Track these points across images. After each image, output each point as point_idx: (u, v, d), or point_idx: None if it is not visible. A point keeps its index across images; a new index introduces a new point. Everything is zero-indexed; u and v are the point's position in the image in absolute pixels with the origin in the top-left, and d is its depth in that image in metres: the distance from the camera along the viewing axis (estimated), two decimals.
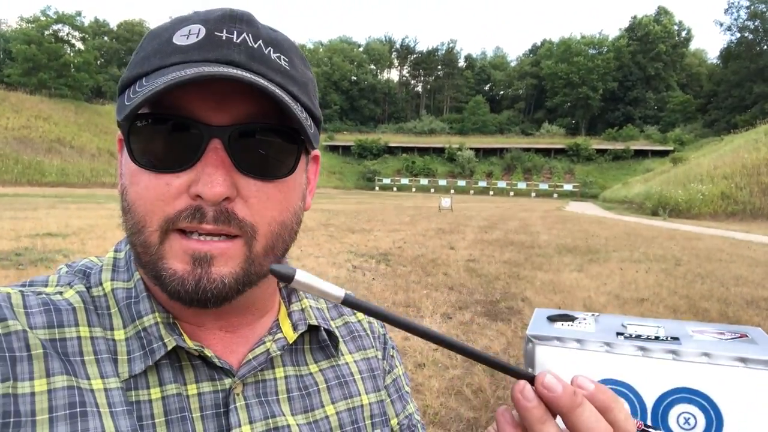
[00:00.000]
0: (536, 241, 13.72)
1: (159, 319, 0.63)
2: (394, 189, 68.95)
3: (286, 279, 0.37)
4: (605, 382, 2.25)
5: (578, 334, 2.32)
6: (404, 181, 72.00)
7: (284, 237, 0.64)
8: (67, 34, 68.63)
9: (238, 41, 0.58)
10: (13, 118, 45.53)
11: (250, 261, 0.60)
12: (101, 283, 0.66)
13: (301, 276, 0.38)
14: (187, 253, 0.57)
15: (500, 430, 0.46)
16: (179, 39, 0.58)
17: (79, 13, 69.65)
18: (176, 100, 0.56)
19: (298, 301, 0.76)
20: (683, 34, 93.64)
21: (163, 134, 0.57)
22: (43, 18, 64.42)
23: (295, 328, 0.72)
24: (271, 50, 0.61)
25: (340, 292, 0.39)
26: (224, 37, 0.58)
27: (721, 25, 79.74)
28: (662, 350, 2.19)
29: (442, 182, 70.97)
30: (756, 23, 73.82)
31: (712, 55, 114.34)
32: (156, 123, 0.57)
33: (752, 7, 74.44)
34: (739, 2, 76.72)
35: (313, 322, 0.73)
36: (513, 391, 0.45)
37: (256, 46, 0.59)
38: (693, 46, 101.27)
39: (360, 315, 0.87)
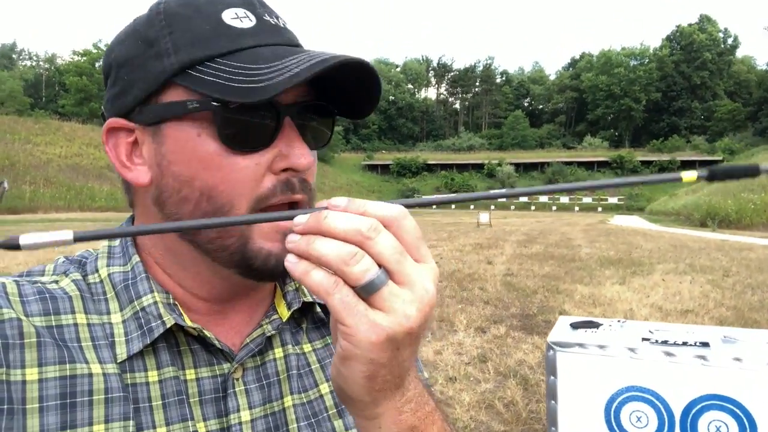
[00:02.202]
0: (577, 255, 13.39)
1: (158, 299, 0.63)
2: (433, 207, 68.63)
3: (14, 248, 0.38)
4: (629, 389, 2.15)
5: (601, 339, 2.23)
6: None
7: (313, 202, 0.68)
8: None
9: (282, 25, 0.65)
10: (66, 146, 47.74)
11: None
12: (97, 270, 0.66)
13: (26, 239, 0.38)
14: (279, 231, 0.60)
15: (291, 273, 0.46)
16: (233, 22, 0.60)
17: None
18: None
19: (292, 281, 0.76)
20: (729, 41, 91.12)
21: (246, 115, 0.58)
22: (94, 51, 67.55)
23: (289, 306, 0.72)
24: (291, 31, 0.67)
25: (68, 235, 0.39)
26: (272, 22, 0.63)
27: None
28: (690, 355, 2.08)
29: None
30: None
31: (762, 61, 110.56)
32: (243, 105, 0.57)
33: None
34: None
35: (308, 298, 0.74)
36: (286, 246, 0.47)
37: (288, 28, 0.66)
38: (740, 53, 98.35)
39: None
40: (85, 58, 66.14)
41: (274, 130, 0.60)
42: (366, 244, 0.44)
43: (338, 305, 0.44)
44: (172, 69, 0.59)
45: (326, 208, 0.46)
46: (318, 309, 0.76)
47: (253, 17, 0.62)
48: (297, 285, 0.76)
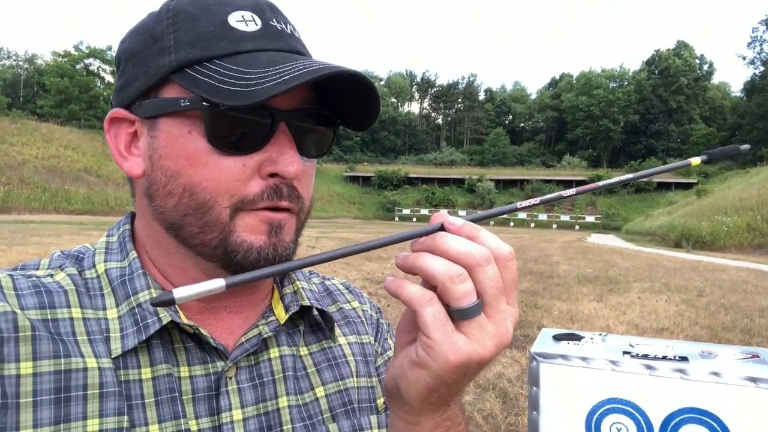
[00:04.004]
0: (555, 271, 13.52)
1: (155, 295, 0.61)
2: (414, 219, 68.77)
3: (170, 303, 0.41)
4: (610, 401, 2.20)
5: (583, 352, 2.28)
6: (424, 211, 71.77)
7: (310, 212, 0.69)
8: (98, 68, 71.09)
9: (289, 31, 0.64)
10: (43, 147, 46.83)
11: (299, 231, 0.66)
12: (94, 266, 0.66)
13: (180, 292, 0.40)
14: (265, 222, 0.60)
15: (388, 290, 0.50)
16: (238, 24, 0.60)
17: (109, 48, 72.04)
18: None
19: (291, 284, 0.76)
20: (705, 67, 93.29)
21: (238, 117, 0.58)
22: (75, 52, 66.79)
23: (287, 309, 0.72)
24: (300, 39, 0.67)
25: (220, 283, 0.41)
26: (279, 27, 0.63)
27: (744, 58, 79.39)
28: (669, 369, 2.13)
29: (462, 213, 69.43)
30: None
31: (736, 88, 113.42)
32: (233, 107, 0.57)
33: None
34: (761, 36, 76.43)
35: (306, 302, 0.73)
36: (395, 261, 0.51)
37: (297, 36, 0.65)
38: (716, 79, 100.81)
39: (354, 303, 0.88)
40: (66, 59, 65.28)
41: (267, 134, 0.59)
42: (475, 270, 0.47)
43: (429, 317, 0.47)
44: (171, 66, 0.60)
45: (441, 225, 0.48)
46: (315, 313, 0.75)
47: (259, 21, 0.61)
48: (295, 288, 0.76)
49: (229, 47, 0.59)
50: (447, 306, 0.47)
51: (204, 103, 0.57)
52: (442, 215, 0.49)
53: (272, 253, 0.61)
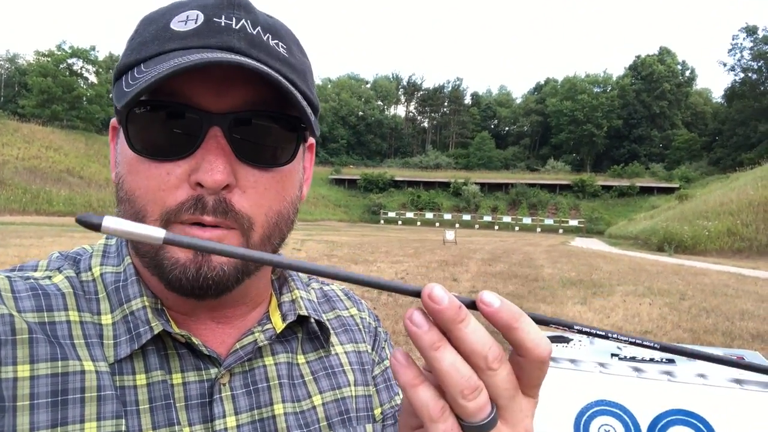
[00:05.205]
0: (540, 275, 13.61)
1: (147, 303, 0.62)
2: (399, 222, 68.97)
3: (94, 227, 0.36)
4: (598, 403, 2.22)
5: (572, 354, 2.30)
6: (409, 214, 72.04)
7: (281, 227, 0.63)
8: (81, 68, 70.16)
9: (237, 27, 0.58)
10: (24, 148, 46.16)
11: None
12: (90, 269, 0.65)
13: (111, 222, 0.35)
14: (195, 236, 0.54)
15: (395, 375, 0.40)
16: (177, 25, 0.57)
17: (93, 48, 71.22)
18: (176, 86, 0.55)
19: (289, 292, 0.75)
20: (687, 73, 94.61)
21: (162, 122, 0.56)
22: (58, 52, 65.87)
23: (284, 318, 0.71)
24: (270, 37, 0.60)
25: (159, 233, 0.36)
26: (223, 23, 0.57)
27: (725, 65, 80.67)
28: (657, 371, 2.16)
29: (447, 216, 70.92)
30: (760, 64, 74.61)
31: (717, 94, 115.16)
32: (155, 110, 0.56)
33: (756, 48, 75.40)
34: (742, 43, 77.79)
35: (303, 312, 0.72)
36: (404, 320, 0.40)
37: (255, 32, 0.59)
38: (698, 85, 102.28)
39: (353, 310, 0.86)
40: (49, 59, 64.38)
41: (197, 139, 0.56)
42: (485, 374, 0.39)
43: None
44: (115, 75, 0.60)
45: (472, 301, 0.40)
46: (312, 321, 0.74)
47: (201, 19, 0.57)
48: (294, 297, 0.74)
49: (156, 49, 0.57)
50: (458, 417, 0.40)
51: (117, 106, 0.56)
52: (485, 295, 0.40)
53: (194, 273, 0.56)
